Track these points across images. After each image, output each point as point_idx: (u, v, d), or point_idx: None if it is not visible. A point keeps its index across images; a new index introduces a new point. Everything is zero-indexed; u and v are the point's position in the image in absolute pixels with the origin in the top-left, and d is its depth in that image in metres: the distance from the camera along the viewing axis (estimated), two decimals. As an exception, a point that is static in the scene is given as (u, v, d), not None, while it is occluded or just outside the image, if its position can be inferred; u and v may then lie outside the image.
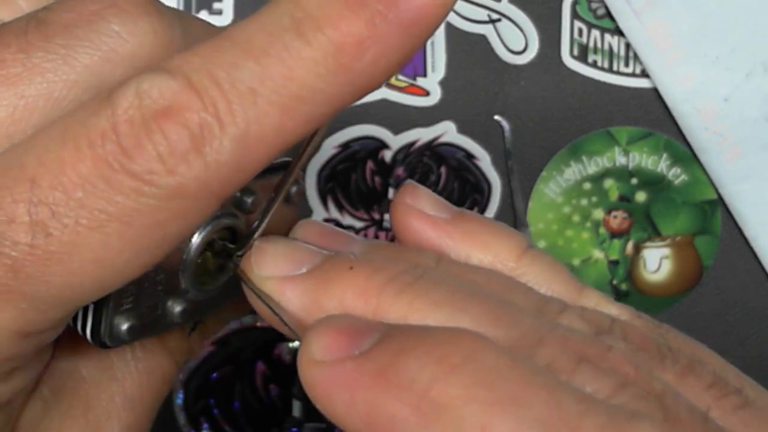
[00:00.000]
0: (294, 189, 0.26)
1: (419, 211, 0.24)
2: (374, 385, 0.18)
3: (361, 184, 0.48)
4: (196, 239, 0.24)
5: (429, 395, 0.18)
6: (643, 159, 0.48)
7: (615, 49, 0.48)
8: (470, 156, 0.48)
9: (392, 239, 0.48)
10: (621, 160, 0.48)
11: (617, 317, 0.22)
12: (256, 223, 0.24)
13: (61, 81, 0.20)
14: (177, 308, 0.24)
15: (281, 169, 0.24)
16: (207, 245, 0.24)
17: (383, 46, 0.19)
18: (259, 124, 0.19)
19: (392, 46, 0.19)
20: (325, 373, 0.19)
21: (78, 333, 0.23)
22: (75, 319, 0.23)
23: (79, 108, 0.19)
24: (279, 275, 0.22)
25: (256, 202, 0.24)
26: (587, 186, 0.49)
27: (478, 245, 0.24)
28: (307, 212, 0.47)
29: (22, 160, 0.19)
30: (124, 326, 0.23)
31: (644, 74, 0.48)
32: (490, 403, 0.17)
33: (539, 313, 0.21)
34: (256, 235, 0.23)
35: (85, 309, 0.23)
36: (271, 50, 0.19)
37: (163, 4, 0.22)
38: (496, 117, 0.48)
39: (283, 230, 0.24)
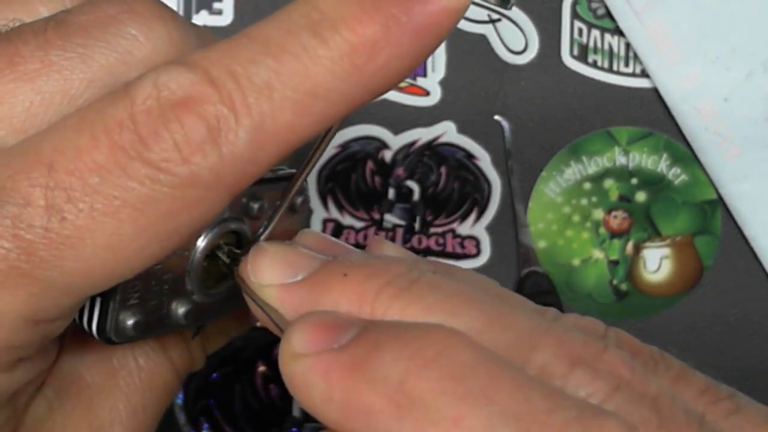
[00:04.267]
0: (299, 199, 0.26)
1: None
2: (350, 376, 0.19)
3: (361, 184, 0.48)
4: (202, 241, 0.24)
5: (403, 388, 0.18)
6: (643, 159, 0.48)
7: (615, 49, 0.48)
8: (470, 156, 0.48)
9: (392, 239, 0.48)
10: (621, 160, 0.48)
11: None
12: (261, 229, 0.24)
13: (77, 79, 0.21)
14: (181, 309, 0.24)
15: (288, 180, 0.24)
16: (213, 249, 0.24)
17: (396, 49, 0.19)
18: (273, 118, 0.19)
19: (405, 49, 0.19)
20: (303, 366, 0.19)
21: (84, 330, 0.23)
22: (81, 315, 0.23)
23: (95, 100, 0.20)
24: (275, 283, 0.22)
25: (263, 209, 0.25)
26: (587, 186, 0.49)
27: None
28: (307, 212, 0.47)
29: (39, 147, 0.19)
30: (130, 321, 0.23)
31: (644, 74, 0.48)
32: (460, 396, 0.18)
33: (534, 317, 0.22)
34: (260, 240, 0.23)
35: (92, 304, 0.23)
36: (288, 48, 0.19)
37: (180, 14, 0.22)
38: (496, 117, 0.48)
39: (287, 239, 0.25)
